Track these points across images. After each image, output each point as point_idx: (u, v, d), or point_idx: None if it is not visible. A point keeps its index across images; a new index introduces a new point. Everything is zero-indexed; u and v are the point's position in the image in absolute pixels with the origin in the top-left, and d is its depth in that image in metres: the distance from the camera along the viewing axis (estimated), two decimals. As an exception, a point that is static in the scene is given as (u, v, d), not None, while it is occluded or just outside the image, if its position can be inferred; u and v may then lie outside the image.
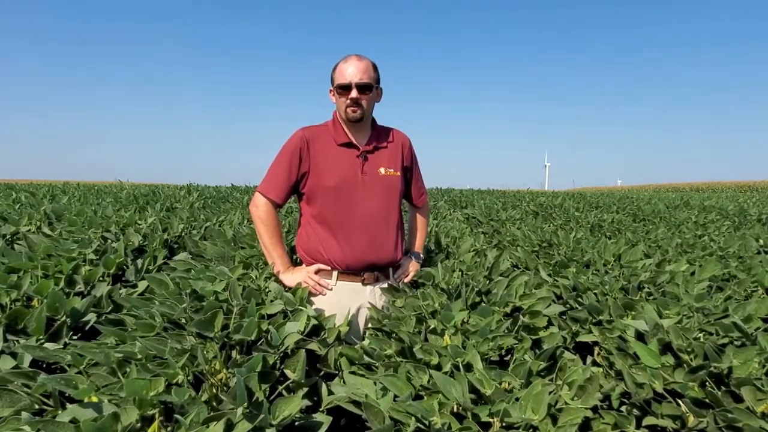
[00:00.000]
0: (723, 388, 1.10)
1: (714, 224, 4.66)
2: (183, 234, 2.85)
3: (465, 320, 1.46)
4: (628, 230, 3.99)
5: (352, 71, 1.66)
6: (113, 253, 2.03)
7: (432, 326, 1.41)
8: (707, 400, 1.09)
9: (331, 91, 1.75)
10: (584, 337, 1.54)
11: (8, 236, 2.62)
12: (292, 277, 1.74)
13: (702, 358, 1.17)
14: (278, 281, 1.75)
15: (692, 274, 2.06)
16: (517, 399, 1.03)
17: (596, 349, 1.51)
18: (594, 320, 1.57)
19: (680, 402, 1.09)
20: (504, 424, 1.00)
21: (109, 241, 2.44)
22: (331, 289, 1.76)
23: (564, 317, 1.66)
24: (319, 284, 1.74)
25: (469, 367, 1.18)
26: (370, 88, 1.69)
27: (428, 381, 1.14)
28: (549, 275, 2.05)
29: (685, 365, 1.19)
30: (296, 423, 1.04)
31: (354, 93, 1.66)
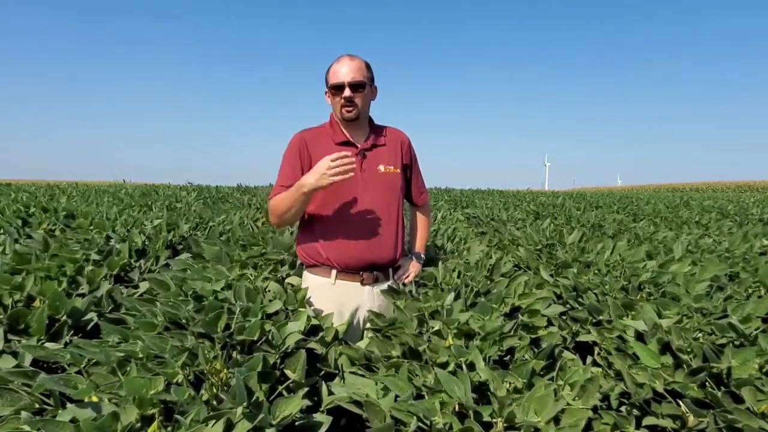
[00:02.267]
0: (723, 388, 1.10)
1: (716, 224, 4.64)
2: (187, 235, 2.86)
3: (465, 320, 1.45)
4: (629, 230, 3.98)
5: (344, 71, 1.67)
6: (117, 255, 2.03)
7: (436, 327, 1.40)
8: (707, 401, 1.08)
9: (326, 92, 1.76)
10: (584, 337, 1.53)
11: (18, 238, 2.64)
12: (312, 176, 1.57)
13: (701, 359, 1.17)
14: (309, 194, 1.59)
15: (693, 275, 2.06)
16: (518, 398, 1.03)
17: (596, 349, 1.51)
18: (594, 320, 1.57)
19: (680, 402, 1.09)
20: (506, 425, 1.00)
21: (113, 241, 2.45)
22: (354, 168, 1.57)
23: (564, 317, 1.66)
24: (343, 163, 1.52)
25: (471, 367, 1.18)
26: (363, 86, 1.69)
27: (430, 380, 1.14)
28: (551, 275, 2.05)
29: (684, 365, 1.18)
30: (296, 423, 1.04)
31: (347, 92, 1.67)
